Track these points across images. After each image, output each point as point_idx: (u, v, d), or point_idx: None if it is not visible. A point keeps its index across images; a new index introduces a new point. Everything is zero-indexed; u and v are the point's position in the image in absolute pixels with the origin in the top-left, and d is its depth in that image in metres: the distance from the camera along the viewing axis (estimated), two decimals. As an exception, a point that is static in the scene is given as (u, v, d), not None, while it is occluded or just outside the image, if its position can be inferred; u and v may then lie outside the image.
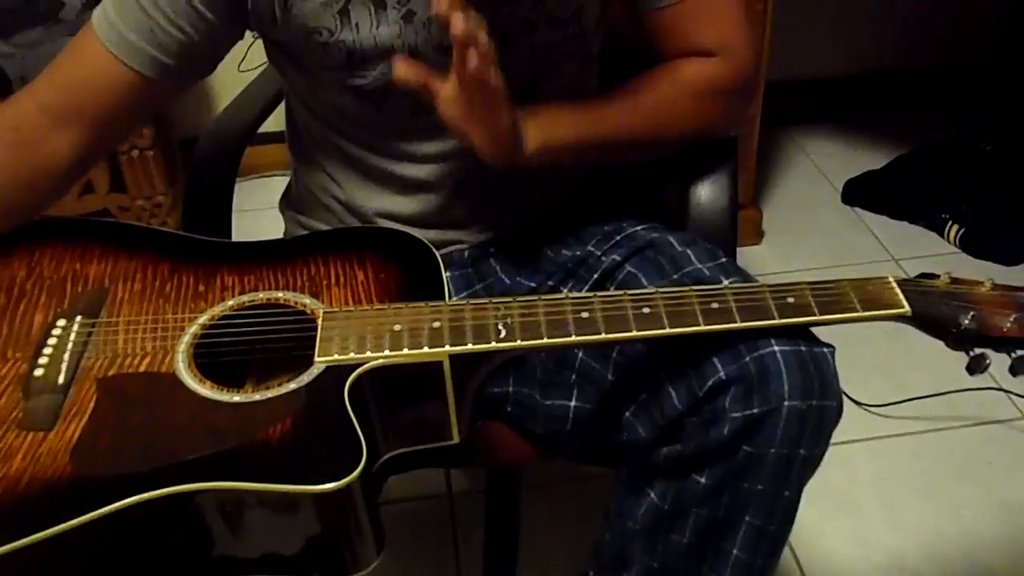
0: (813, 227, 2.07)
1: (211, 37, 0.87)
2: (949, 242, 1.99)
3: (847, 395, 1.59)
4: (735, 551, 0.83)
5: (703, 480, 0.81)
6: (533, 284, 1.01)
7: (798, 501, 0.82)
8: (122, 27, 0.84)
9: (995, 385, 1.61)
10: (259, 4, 0.85)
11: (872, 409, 1.61)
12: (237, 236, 1.07)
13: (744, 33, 0.96)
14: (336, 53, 0.86)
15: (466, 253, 1.01)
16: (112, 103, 0.88)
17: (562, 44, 0.92)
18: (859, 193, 2.13)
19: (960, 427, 1.58)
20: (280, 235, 1.10)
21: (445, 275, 0.84)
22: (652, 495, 0.86)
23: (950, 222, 1.99)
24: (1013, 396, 1.61)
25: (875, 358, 1.69)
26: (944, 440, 1.56)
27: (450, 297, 0.82)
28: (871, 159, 2.23)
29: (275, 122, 1.14)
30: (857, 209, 2.13)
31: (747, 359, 0.77)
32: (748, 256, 1.99)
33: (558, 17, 0.90)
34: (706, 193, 1.07)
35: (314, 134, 1.01)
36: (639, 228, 1.00)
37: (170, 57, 0.86)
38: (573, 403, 0.92)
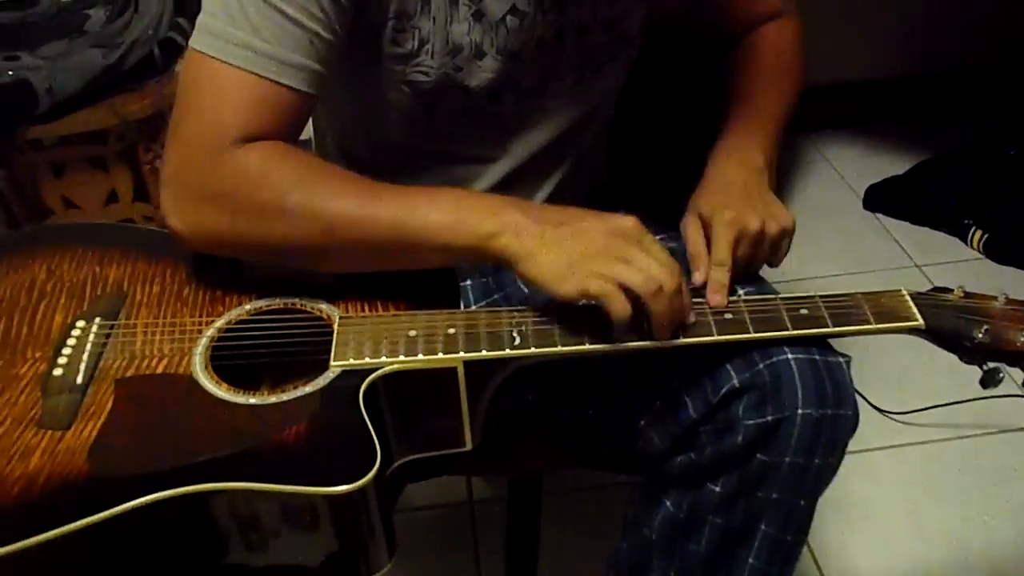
0: (834, 233, 2.05)
1: (344, 30, 0.82)
2: (973, 248, 1.97)
3: (870, 403, 1.59)
4: (751, 560, 0.83)
5: (718, 489, 0.81)
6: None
7: (813, 510, 0.82)
8: (277, 51, 0.77)
9: (1019, 393, 1.60)
10: None
11: (895, 417, 1.59)
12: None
13: None
14: (408, 40, 0.85)
15: None
16: (284, 129, 0.80)
17: (607, 45, 0.94)
18: (881, 199, 2.11)
19: (984, 435, 1.56)
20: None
21: (466, 284, 0.84)
22: (668, 504, 0.85)
23: (973, 228, 1.97)
24: (1037, 404, 1.60)
25: (898, 366, 1.67)
26: (968, 448, 1.54)
27: (467, 306, 0.82)
28: (893, 165, 2.20)
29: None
30: (879, 215, 2.11)
31: (761, 367, 0.77)
32: (769, 262, 1.98)
33: (606, 18, 0.92)
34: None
35: (348, 141, 1.01)
36: (656, 237, 1.00)
37: (324, 65, 0.80)
38: (591, 412, 0.92)
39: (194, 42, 0.78)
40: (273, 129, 0.78)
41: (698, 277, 0.85)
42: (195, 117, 0.78)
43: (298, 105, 0.80)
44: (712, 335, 0.77)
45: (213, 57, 0.77)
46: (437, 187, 0.80)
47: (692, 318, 0.77)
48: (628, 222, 0.76)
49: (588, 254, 0.73)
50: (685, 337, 0.77)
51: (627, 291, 0.73)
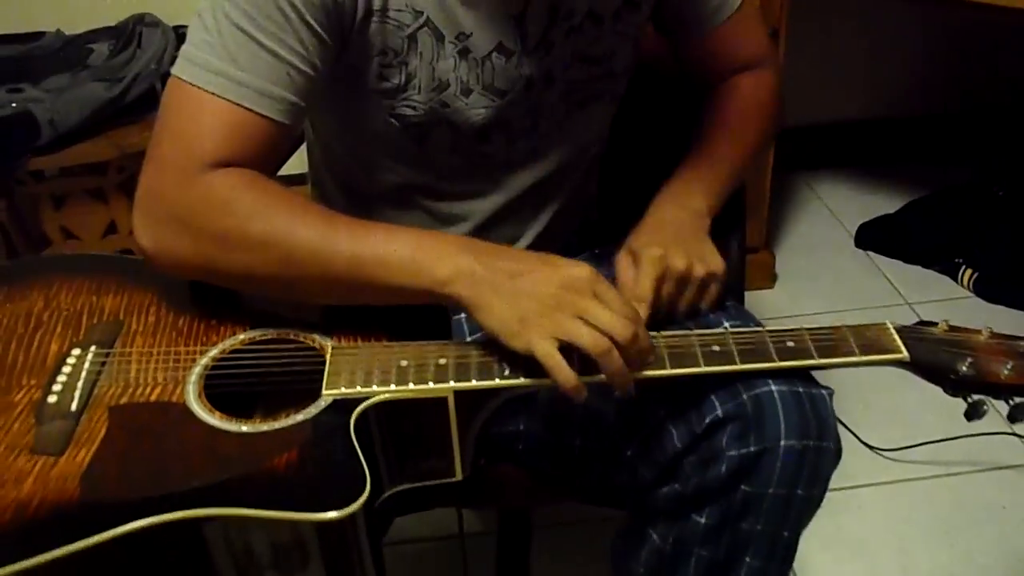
0: (826, 271, 2.07)
1: (326, 66, 0.84)
2: (963, 286, 1.99)
3: (860, 439, 1.60)
4: (737, 593, 0.83)
5: (703, 520, 0.82)
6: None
7: (797, 542, 0.82)
8: (254, 80, 0.79)
9: (1008, 430, 1.60)
10: (346, 20, 0.83)
11: (884, 453, 1.60)
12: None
13: (769, 41, 1.07)
14: (395, 75, 0.87)
15: None
16: (257, 158, 0.81)
17: (592, 82, 0.96)
18: (872, 237, 2.13)
19: (973, 472, 1.57)
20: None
21: (460, 316, 0.84)
22: (654, 536, 0.86)
23: (964, 266, 1.99)
24: (1027, 442, 1.60)
25: (887, 402, 1.68)
26: (957, 485, 1.55)
27: (464, 338, 0.83)
28: (884, 203, 2.23)
29: (297, 163, 1.15)
30: (870, 253, 2.13)
31: (744, 397, 0.78)
32: (761, 299, 1.99)
33: (590, 55, 0.94)
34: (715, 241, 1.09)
35: (344, 177, 1.02)
36: None
37: (302, 97, 0.82)
38: (578, 441, 0.93)
39: (175, 69, 0.80)
40: (246, 156, 0.80)
41: None
42: (170, 140, 0.80)
43: (272, 134, 0.81)
44: (699, 366, 0.78)
45: (191, 84, 0.79)
46: (396, 226, 0.80)
47: (652, 358, 0.77)
48: (583, 271, 0.75)
49: (539, 310, 0.73)
50: (672, 368, 0.78)
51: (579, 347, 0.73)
